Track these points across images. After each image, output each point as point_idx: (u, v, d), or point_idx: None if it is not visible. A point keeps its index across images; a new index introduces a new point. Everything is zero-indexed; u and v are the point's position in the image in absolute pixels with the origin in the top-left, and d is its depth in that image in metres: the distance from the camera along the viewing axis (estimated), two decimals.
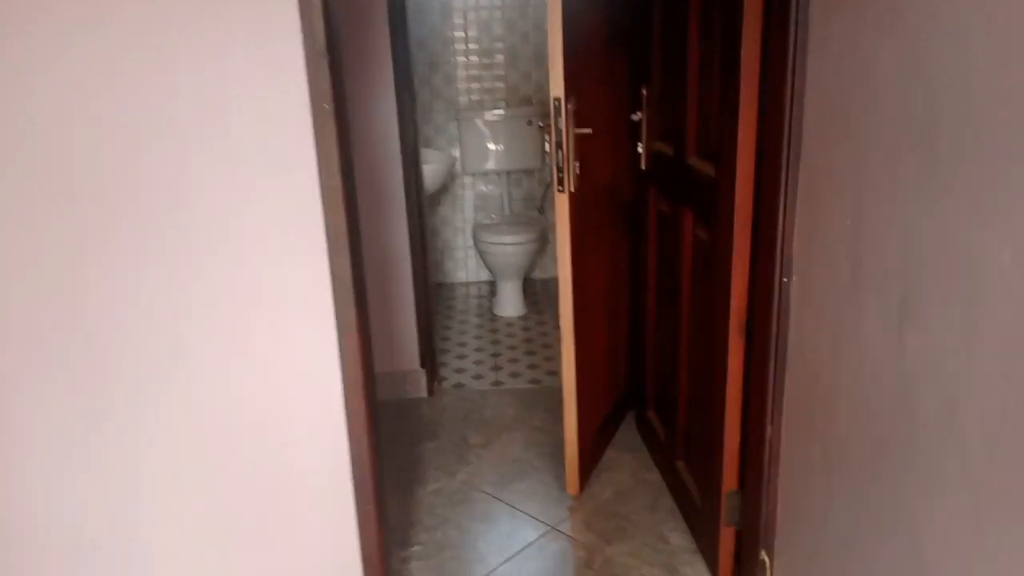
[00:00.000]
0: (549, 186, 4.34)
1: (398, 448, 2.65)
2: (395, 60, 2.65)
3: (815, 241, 1.43)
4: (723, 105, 1.71)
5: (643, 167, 2.35)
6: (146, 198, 1.59)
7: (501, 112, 4.09)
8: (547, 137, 2.02)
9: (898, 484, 1.16)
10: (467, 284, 4.48)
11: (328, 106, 1.53)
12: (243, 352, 1.69)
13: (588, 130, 2.06)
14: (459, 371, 3.28)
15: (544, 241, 3.82)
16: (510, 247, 3.72)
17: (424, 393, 3.03)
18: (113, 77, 1.52)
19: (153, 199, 1.59)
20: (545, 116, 4.15)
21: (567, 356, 2.16)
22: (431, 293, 3.00)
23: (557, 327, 3.66)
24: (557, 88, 1.95)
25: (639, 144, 2.35)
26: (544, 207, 4.38)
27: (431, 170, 3.49)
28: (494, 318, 3.91)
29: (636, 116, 2.30)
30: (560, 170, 2.01)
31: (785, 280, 1.55)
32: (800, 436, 1.54)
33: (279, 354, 1.70)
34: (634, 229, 2.57)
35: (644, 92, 2.30)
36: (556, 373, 3.20)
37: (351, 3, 2.59)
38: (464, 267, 4.50)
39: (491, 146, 4.13)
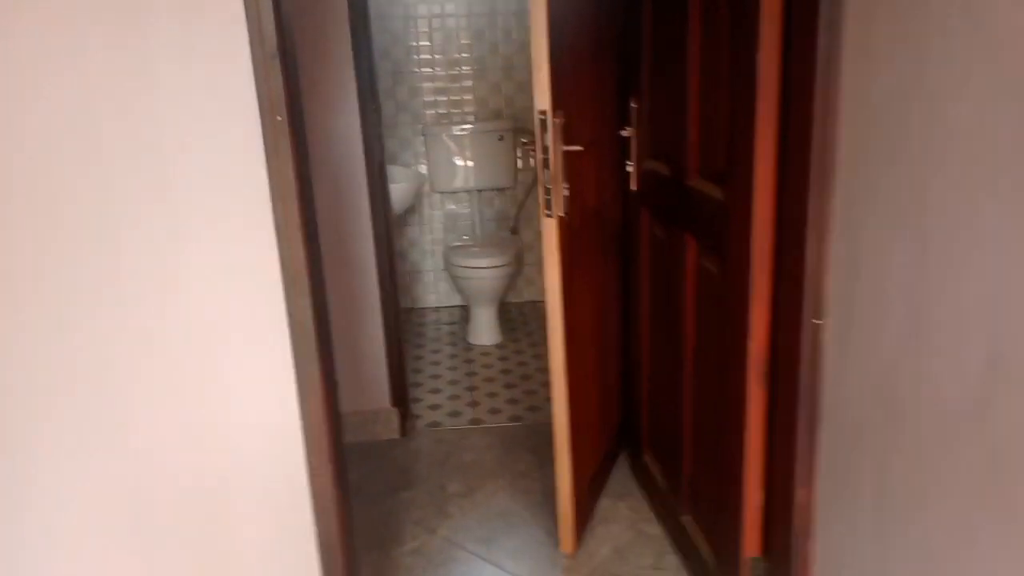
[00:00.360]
0: (522, 205, 4.12)
1: (370, 500, 2.39)
2: (357, 68, 2.41)
3: (858, 279, 1.22)
4: (734, 120, 1.50)
5: (633, 187, 2.14)
6: (68, 230, 1.34)
7: (470, 126, 3.86)
8: (531, 155, 1.80)
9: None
10: (438, 309, 4.24)
11: (281, 117, 1.29)
12: (186, 403, 1.44)
13: (578, 147, 1.84)
14: (434, 407, 3.03)
15: (520, 264, 3.60)
16: (485, 271, 3.49)
17: (396, 434, 2.77)
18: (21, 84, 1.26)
19: (75, 233, 1.34)
20: (518, 131, 3.94)
21: (558, 399, 1.93)
22: (401, 324, 2.76)
23: (536, 356, 3.43)
24: (543, 100, 1.73)
25: (628, 163, 2.14)
26: (518, 227, 4.15)
27: (399, 189, 3.25)
28: (468, 347, 3.67)
29: (626, 132, 2.09)
30: (547, 192, 1.78)
31: (817, 322, 1.34)
32: (842, 501, 1.33)
33: (228, 405, 1.46)
34: (623, 254, 2.36)
35: (634, 105, 2.10)
36: (538, 408, 2.97)
37: (306, 4, 2.35)
38: (434, 291, 4.26)
39: (460, 163, 3.90)
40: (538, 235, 4.17)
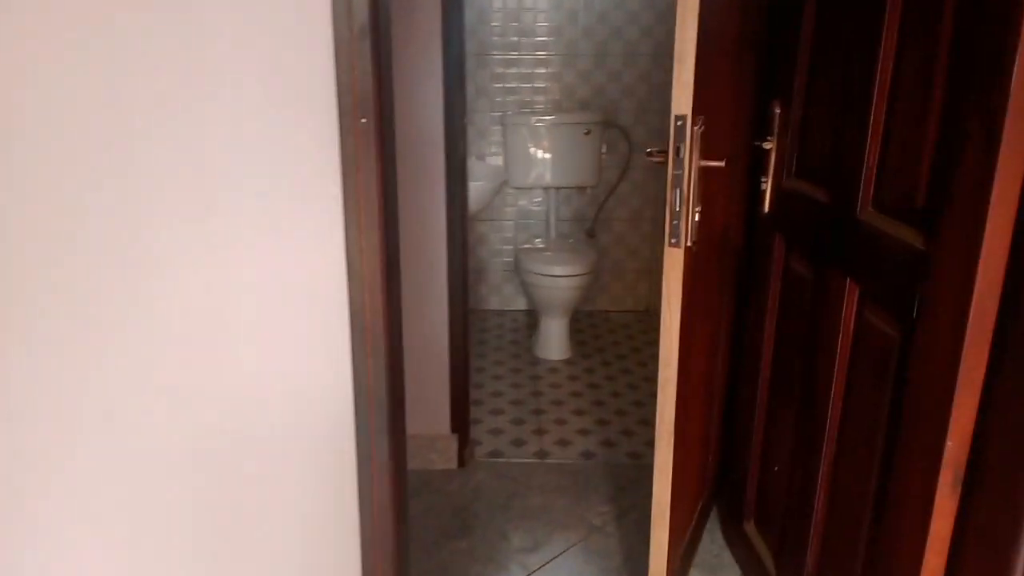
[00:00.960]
0: (602, 206, 3.76)
1: (421, 548, 2.08)
2: (446, 48, 2.08)
3: None
4: (954, 143, 1.12)
5: (766, 209, 1.77)
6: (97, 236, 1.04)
7: (553, 117, 3.51)
8: (660, 165, 1.44)
9: None
10: (501, 312, 3.91)
11: (367, 120, 0.96)
12: None
13: (718, 163, 1.48)
14: (495, 432, 2.70)
15: (598, 273, 3.24)
16: (561, 279, 3.14)
17: (454, 463, 2.45)
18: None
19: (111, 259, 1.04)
20: (606, 125, 3.57)
21: (661, 469, 1.58)
22: (470, 345, 2.44)
23: (609, 377, 3.09)
24: (683, 102, 1.37)
25: (763, 179, 1.76)
26: (595, 230, 3.79)
27: (477, 188, 2.91)
28: (535, 360, 3.33)
29: (767, 143, 1.71)
30: (674, 215, 1.43)
31: None
32: None
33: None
34: (741, 285, 1.99)
35: (777, 111, 1.72)
36: (614, 444, 2.62)
37: None
38: (499, 293, 3.93)
39: (539, 156, 3.55)
40: (616, 239, 3.81)
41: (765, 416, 1.87)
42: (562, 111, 3.61)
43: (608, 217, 3.79)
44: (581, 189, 3.74)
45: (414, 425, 2.41)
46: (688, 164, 1.39)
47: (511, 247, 3.84)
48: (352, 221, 1.00)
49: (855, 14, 1.43)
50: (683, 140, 1.39)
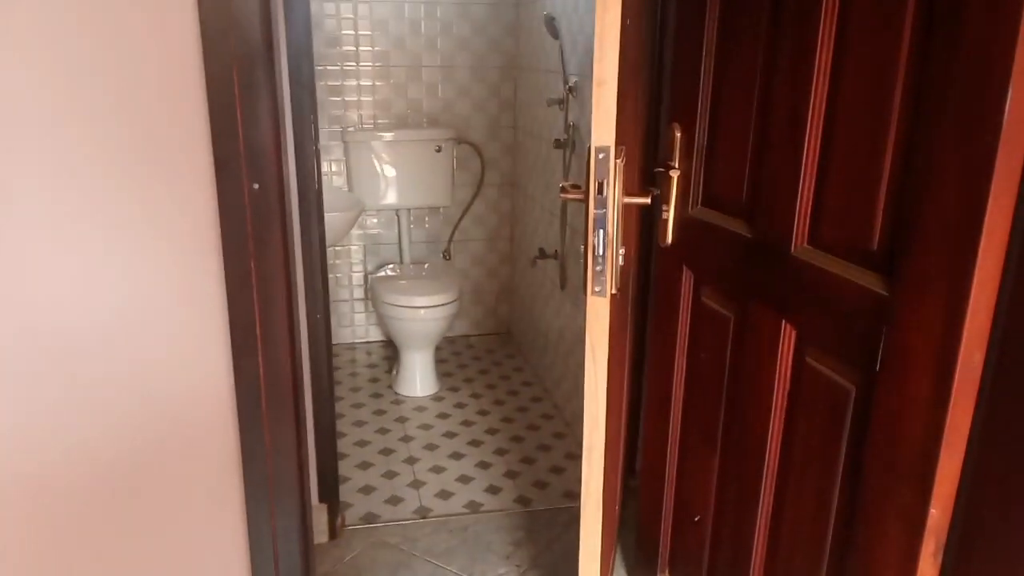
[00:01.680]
0: (456, 226, 3.55)
1: None
2: (292, 60, 1.78)
3: None
4: (921, 174, 1.01)
5: (668, 240, 1.64)
6: None
7: (399, 134, 3.25)
8: (585, 206, 1.26)
9: None
10: (354, 346, 3.59)
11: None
12: None
13: (643, 199, 1.31)
14: (366, 491, 2.41)
15: (461, 299, 3.03)
16: (423, 311, 2.89)
17: (324, 536, 2.14)
18: None
19: None
20: (458, 141, 3.37)
21: (588, 555, 1.39)
22: (331, 399, 2.13)
23: (481, 412, 2.88)
24: (604, 133, 1.18)
25: (664, 208, 1.63)
26: (451, 251, 3.58)
27: (333, 220, 2.60)
28: (398, 399, 3.06)
29: (671, 170, 1.57)
30: (598, 261, 1.24)
31: None
32: None
33: None
34: (640, 322, 1.85)
35: (677, 133, 1.59)
36: (499, 490, 2.42)
37: None
38: (350, 323, 3.61)
39: (387, 176, 3.28)
40: (474, 260, 3.62)
41: (679, 462, 1.73)
42: (409, 127, 3.36)
43: (464, 238, 3.59)
44: (434, 209, 3.51)
45: None
46: (613, 202, 1.21)
47: (360, 273, 3.53)
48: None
49: (768, 23, 1.31)
50: (606, 175, 1.20)
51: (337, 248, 3.46)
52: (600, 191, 1.21)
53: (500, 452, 2.64)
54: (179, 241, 0.85)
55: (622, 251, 1.28)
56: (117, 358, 1.13)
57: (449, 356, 3.48)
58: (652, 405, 1.82)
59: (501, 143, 3.50)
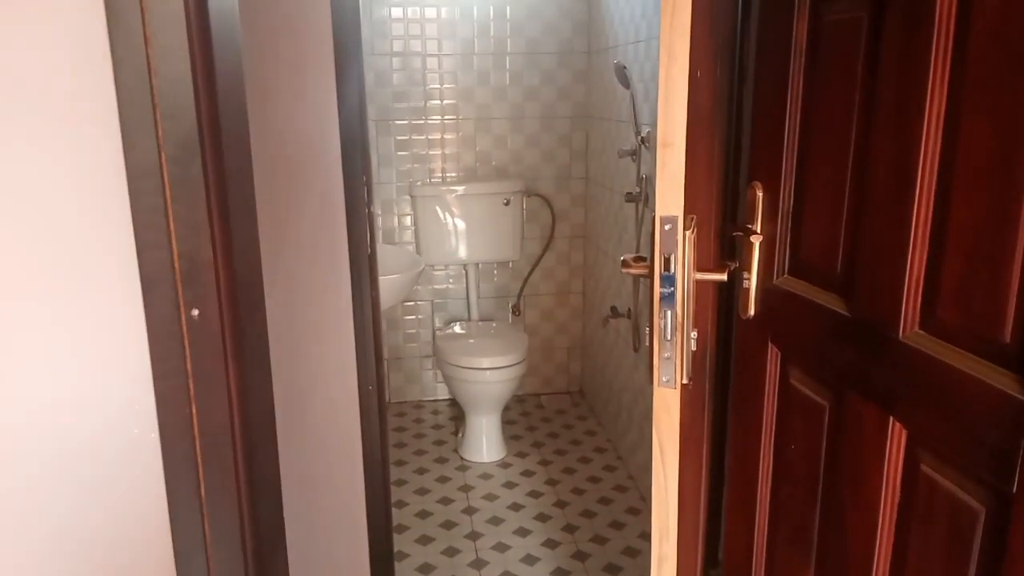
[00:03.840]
0: (526, 281, 3.41)
1: None
2: (343, 118, 1.69)
3: None
4: None
5: (750, 312, 1.44)
6: None
7: (467, 187, 3.16)
8: (650, 285, 1.10)
9: None
10: (420, 405, 3.48)
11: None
12: None
13: (719, 275, 1.14)
14: (424, 571, 2.26)
15: (528, 358, 2.88)
16: (489, 372, 2.75)
17: None
18: None
19: None
20: (527, 194, 3.25)
21: None
22: (387, 483, 2.00)
23: (550, 481, 2.70)
24: (672, 199, 1.02)
25: (745, 276, 1.44)
26: (521, 306, 3.44)
27: (391, 283, 2.50)
28: (463, 465, 2.91)
29: (754, 235, 1.39)
30: (665, 347, 1.07)
31: None
32: None
33: None
34: (720, 403, 1.66)
35: (759, 193, 1.41)
36: (565, 574, 2.22)
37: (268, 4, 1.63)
38: (417, 382, 3.50)
39: (455, 230, 3.18)
40: (544, 315, 3.46)
41: (767, 572, 1.51)
42: (477, 179, 3.27)
43: (534, 292, 3.45)
44: (503, 264, 3.39)
45: None
46: (683, 280, 1.04)
47: (428, 330, 3.43)
48: None
49: (865, 59, 1.13)
50: (674, 249, 1.04)
51: (407, 304, 3.38)
52: (667, 267, 1.05)
53: (569, 529, 2.45)
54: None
55: (694, 335, 1.11)
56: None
57: (517, 417, 3.32)
58: (735, 502, 1.61)
59: (571, 195, 3.36)
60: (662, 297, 1.06)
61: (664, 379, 1.08)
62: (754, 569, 1.54)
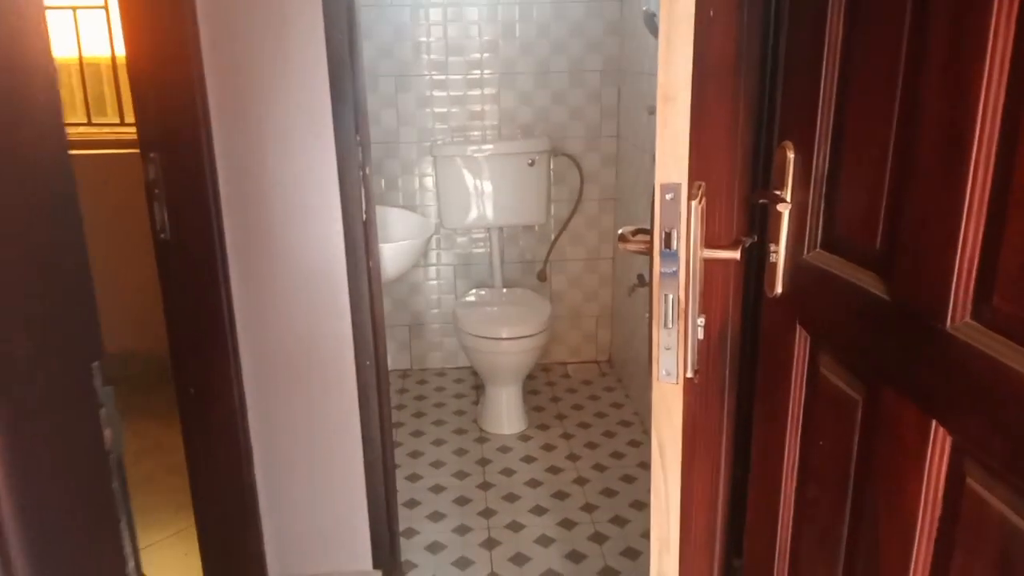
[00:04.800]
0: (553, 245, 3.26)
1: None
2: (334, 87, 1.55)
3: None
4: None
5: (777, 290, 1.28)
6: None
7: (492, 147, 3.00)
8: (640, 251, 0.95)
9: None
10: (443, 372, 3.37)
11: None
12: None
13: (731, 252, 0.99)
14: (433, 549, 2.17)
15: (552, 328, 2.74)
16: (507, 343, 2.63)
17: None
18: None
19: None
20: (554, 154, 3.08)
21: None
22: (390, 459, 1.89)
23: (572, 456, 2.58)
24: (674, 165, 0.87)
25: (772, 248, 1.27)
26: (547, 272, 3.29)
27: (397, 250, 2.37)
28: (482, 436, 2.80)
29: (782, 203, 1.22)
30: (667, 336, 0.92)
31: None
32: None
33: None
34: (741, 387, 1.49)
35: (789, 154, 1.23)
36: (583, 557, 2.11)
37: None
38: (439, 349, 3.40)
39: (479, 192, 3.03)
40: (572, 282, 3.31)
41: (790, 565, 1.37)
42: (502, 139, 3.10)
43: (561, 257, 3.29)
44: (528, 227, 3.23)
45: (326, 561, 1.86)
46: (687, 257, 0.89)
47: (450, 296, 3.31)
48: None
49: (917, 8, 0.94)
50: (677, 222, 0.88)
51: (430, 267, 3.26)
52: (668, 244, 0.89)
53: (588, 508, 2.33)
54: None
55: (701, 321, 0.95)
56: None
57: (542, 387, 3.19)
58: (757, 497, 1.46)
59: (602, 154, 3.18)
60: (662, 278, 0.91)
61: (664, 372, 0.93)
62: (776, 569, 1.40)
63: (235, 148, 1.58)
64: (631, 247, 0.97)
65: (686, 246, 0.88)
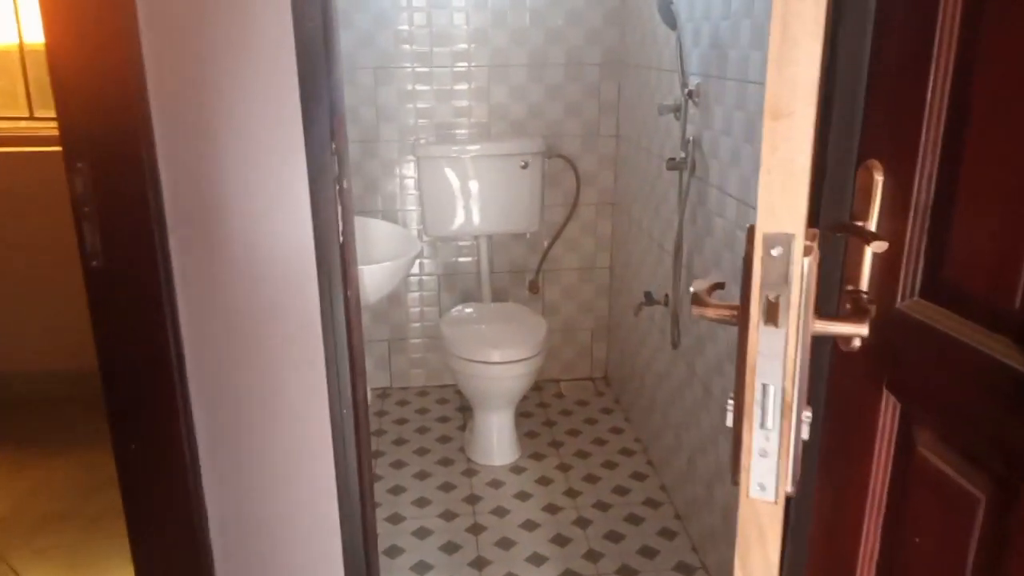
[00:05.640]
0: (546, 255, 3.00)
1: None
2: (305, 75, 1.28)
3: None
4: None
5: (855, 342, 1.03)
6: None
7: (479, 147, 2.73)
8: (739, 337, 0.72)
9: None
10: (425, 392, 3.10)
11: None
12: None
13: (857, 327, 0.73)
14: None
15: (547, 345, 2.48)
16: (498, 367, 2.37)
17: None
18: None
19: None
20: (548, 156, 2.82)
21: None
22: (370, 516, 1.62)
23: (570, 492, 2.33)
24: (787, 208, 0.61)
25: (849, 289, 1.02)
26: (539, 283, 3.03)
27: (377, 274, 2.09)
28: (471, 468, 2.54)
29: (868, 236, 0.97)
30: (764, 442, 0.67)
31: None
32: None
33: None
34: None
35: (877, 176, 0.98)
36: None
37: None
38: (422, 366, 3.13)
39: (465, 197, 2.76)
40: (565, 293, 3.06)
41: None
42: (491, 138, 2.83)
43: (554, 267, 3.04)
44: (519, 235, 2.97)
45: None
46: (796, 335, 0.63)
47: (434, 308, 3.04)
48: None
49: None
50: (785, 287, 0.63)
51: (411, 278, 2.98)
52: (771, 317, 0.63)
53: (592, 556, 2.08)
54: None
55: (807, 415, 0.70)
56: None
57: (534, 408, 2.94)
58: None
59: (599, 155, 2.92)
60: (759, 361, 0.65)
61: (757, 487, 0.68)
62: None
63: (182, 157, 1.30)
64: (711, 314, 0.71)
65: (796, 320, 0.63)
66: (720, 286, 0.75)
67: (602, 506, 2.30)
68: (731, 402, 0.69)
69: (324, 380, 1.45)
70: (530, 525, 2.22)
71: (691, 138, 2.01)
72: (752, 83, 1.67)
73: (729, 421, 0.69)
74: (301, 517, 1.54)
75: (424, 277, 3.00)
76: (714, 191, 1.88)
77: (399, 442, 2.70)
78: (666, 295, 2.28)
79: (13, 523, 2.25)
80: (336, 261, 1.41)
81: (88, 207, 1.30)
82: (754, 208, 1.67)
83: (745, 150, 1.71)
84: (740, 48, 1.72)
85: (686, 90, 2.01)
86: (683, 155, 2.03)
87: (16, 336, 2.87)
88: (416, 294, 3.02)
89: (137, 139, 1.28)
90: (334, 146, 1.35)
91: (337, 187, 1.37)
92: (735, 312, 0.67)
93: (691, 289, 0.74)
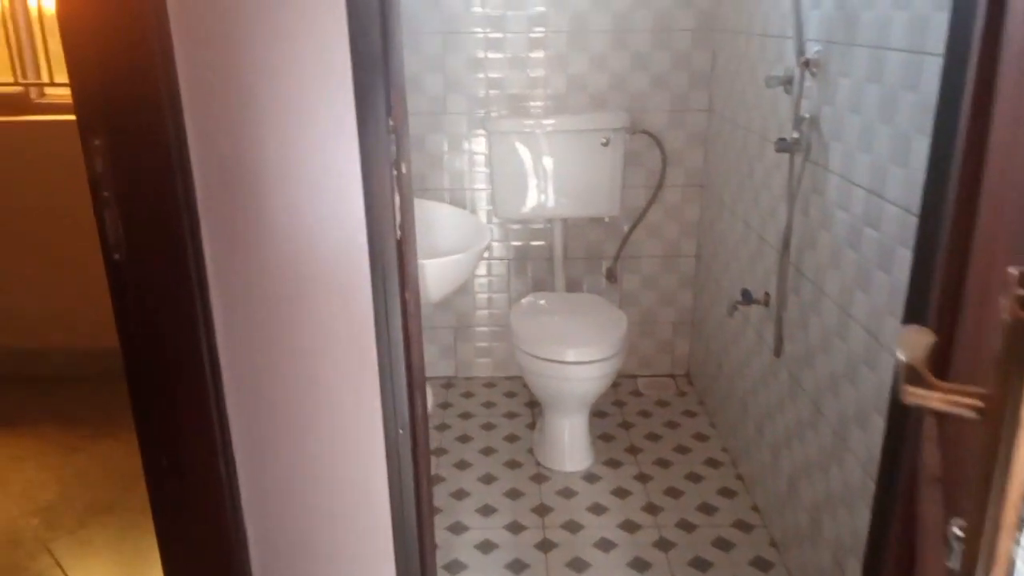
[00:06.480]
0: (625, 241, 2.75)
1: None
2: (357, 40, 1.06)
3: None
4: None
5: None
6: None
7: (556, 122, 2.49)
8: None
9: None
10: (493, 382, 2.91)
11: None
12: None
13: None
14: None
15: (627, 343, 2.24)
16: (573, 368, 2.14)
17: None
18: None
19: None
20: (632, 132, 2.55)
21: None
22: (429, 551, 1.43)
23: (651, 507, 2.10)
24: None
25: None
26: (617, 271, 2.79)
27: (440, 270, 1.88)
28: (539, 473, 2.34)
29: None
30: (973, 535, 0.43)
31: None
32: None
33: None
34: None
35: None
36: None
37: None
38: (489, 355, 2.93)
39: (539, 176, 2.53)
40: (645, 283, 2.81)
41: None
42: (569, 112, 2.58)
43: (635, 254, 2.78)
44: (597, 219, 2.72)
45: None
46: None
47: (503, 295, 2.83)
48: None
49: None
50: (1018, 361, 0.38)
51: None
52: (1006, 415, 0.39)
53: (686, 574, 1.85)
54: None
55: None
56: None
57: (609, 407, 2.71)
58: None
59: (688, 131, 2.64)
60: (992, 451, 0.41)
61: None
62: None
63: (215, 133, 1.11)
64: (938, 403, 0.47)
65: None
66: (932, 343, 0.51)
67: (686, 526, 2.06)
68: (958, 530, 0.45)
69: (378, 395, 1.25)
70: (606, 545, 2.00)
71: (807, 115, 1.72)
72: (893, 50, 1.38)
73: (955, 561, 0.45)
74: (348, 542, 1.36)
75: (493, 261, 2.79)
76: (835, 179, 1.60)
77: (464, 439, 2.51)
78: (766, 294, 2.01)
79: (60, 511, 2.15)
80: (392, 259, 1.20)
81: (108, 191, 1.12)
82: (890, 203, 1.38)
83: (880, 132, 1.42)
84: (877, 7, 1.43)
85: (802, 59, 1.72)
86: (795, 135, 1.74)
87: (71, 313, 2.79)
88: (484, 279, 2.81)
89: (162, 113, 1.09)
90: (391, 123, 1.14)
91: (394, 172, 1.16)
92: (982, 403, 0.43)
93: (899, 355, 0.49)
